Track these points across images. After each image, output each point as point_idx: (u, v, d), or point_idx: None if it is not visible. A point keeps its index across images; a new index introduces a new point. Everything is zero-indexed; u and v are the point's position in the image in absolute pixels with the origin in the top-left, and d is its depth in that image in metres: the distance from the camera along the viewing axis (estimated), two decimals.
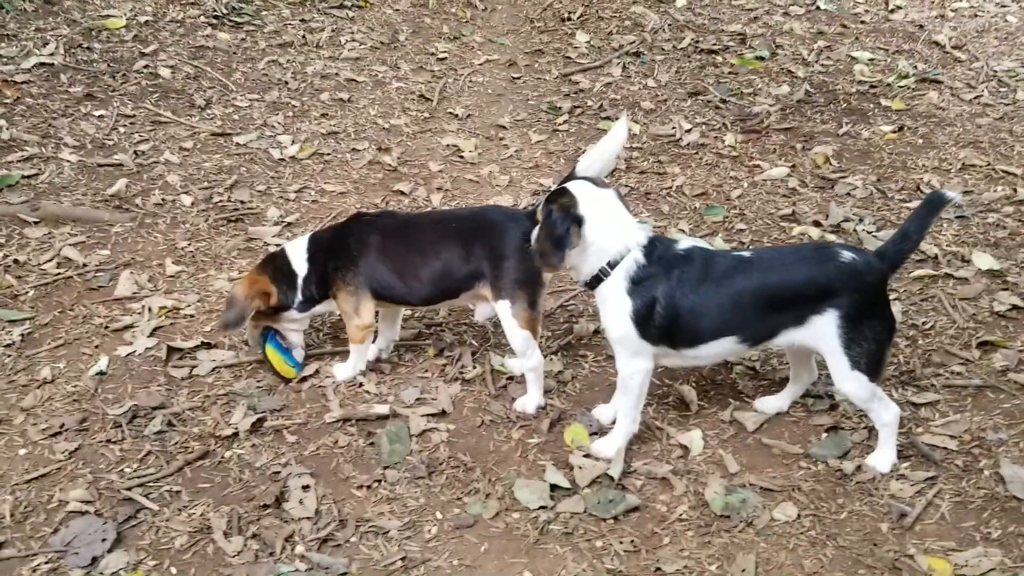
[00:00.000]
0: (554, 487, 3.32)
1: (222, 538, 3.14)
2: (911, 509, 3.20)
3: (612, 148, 3.64)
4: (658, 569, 3.01)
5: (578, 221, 3.23)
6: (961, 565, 2.99)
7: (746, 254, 3.34)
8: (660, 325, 3.26)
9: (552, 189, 3.42)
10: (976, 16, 8.14)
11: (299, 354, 3.96)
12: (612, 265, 3.27)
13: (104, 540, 3.12)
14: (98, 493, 3.33)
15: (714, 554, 3.07)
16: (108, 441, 3.58)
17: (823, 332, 3.22)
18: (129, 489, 3.33)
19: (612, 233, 3.27)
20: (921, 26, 7.88)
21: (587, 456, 3.46)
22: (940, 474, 3.37)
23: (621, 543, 3.11)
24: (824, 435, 3.58)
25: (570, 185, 3.34)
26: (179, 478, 3.41)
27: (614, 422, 3.54)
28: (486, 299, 3.70)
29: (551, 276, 3.70)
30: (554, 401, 3.77)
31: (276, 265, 3.88)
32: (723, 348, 3.34)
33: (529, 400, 3.72)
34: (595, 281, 3.32)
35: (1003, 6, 8.35)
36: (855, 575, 2.98)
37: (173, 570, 3.05)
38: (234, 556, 3.08)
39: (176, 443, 3.57)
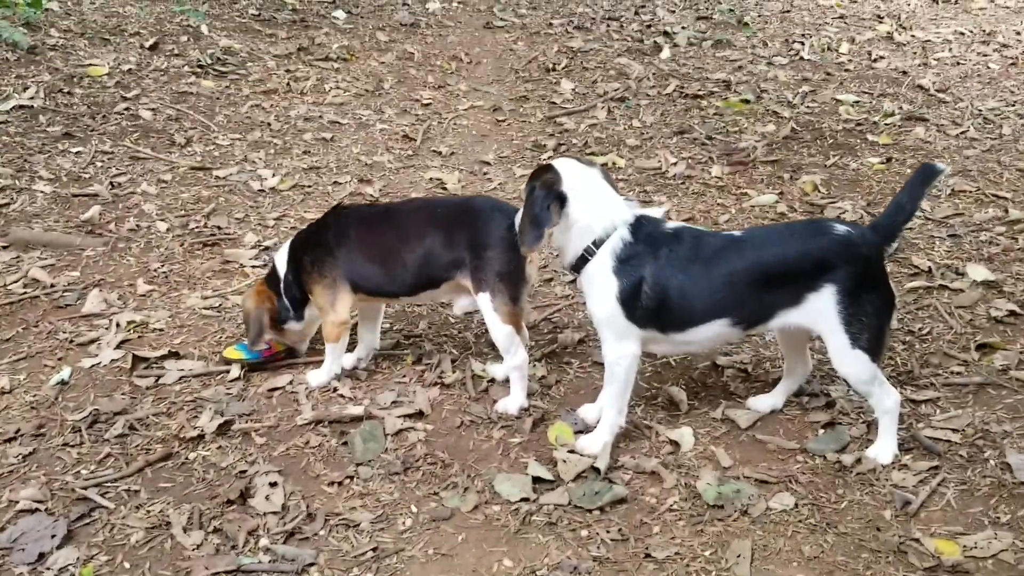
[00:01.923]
0: (537, 480, 3.14)
1: (181, 533, 2.94)
2: (915, 497, 3.02)
3: None
4: (648, 555, 2.80)
5: (560, 199, 3.10)
6: (970, 547, 2.80)
7: (737, 233, 3.22)
8: (647, 306, 3.11)
9: (537, 166, 3.30)
10: (959, 64, 8.18)
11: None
12: (598, 244, 3.13)
13: (54, 536, 2.92)
14: (51, 493, 3.13)
15: (707, 541, 2.87)
16: (65, 445, 3.39)
17: (821, 310, 3.07)
18: (85, 488, 3.13)
19: (597, 211, 3.14)
20: (904, 72, 7.90)
21: (572, 452, 3.27)
22: (943, 464, 3.19)
23: (608, 532, 2.91)
24: (821, 431, 3.40)
25: (555, 162, 3.23)
26: (139, 479, 3.22)
27: (600, 422, 3.36)
28: (467, 291, 3.55)
29: (536, 273, 3.56)
30: (538, 403, 3.59)
31: (269, 275, 3.81)
32: (714, 332, 3.18)
33: (512, 401, 3.54)
34: (580, 263, 3.18)
35: (985, 55, 8.40)
36: (858, 559, 2.78)
37: (126, 564, 2.84)
38: (193, 550, 2.87)
39: (137, 446, 3.38)
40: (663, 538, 2.88)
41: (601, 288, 3.14)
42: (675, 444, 3.33)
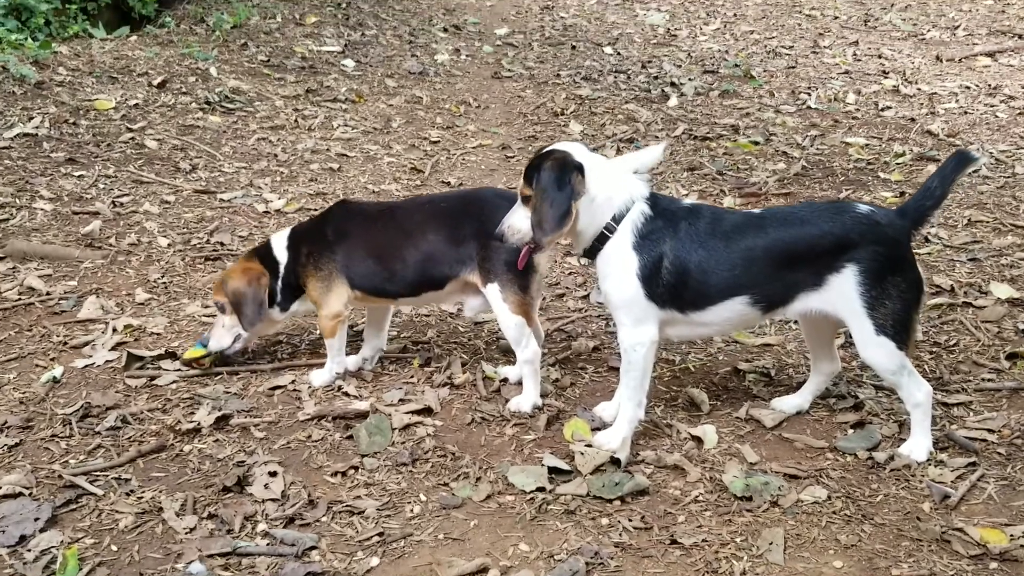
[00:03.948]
0: (553, 471, 2.96)
1: (173, 517, 2.76)
2: (955, 491, 2.84)
3: (644, 162, 3.28)
4: (674, 542, 2.62)
5: (579, 169, 2.98)
6: (1017, 536, 2.61)
7: (757, 211, 3.10)
8: (668, 283, 2.97)
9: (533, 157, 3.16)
10: (966, 113, 8.15)
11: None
12: (617, 220, 3.00)
13: (37, 520, 2.74)
14: (36, 480, 2.95)
15: (737, 530, 2.69)
16: (54, 436, 3.22)
17: (843, 293, 2.93)
18: (74, 476, 2.95)
19: (615, 182, 3.02)
20: (912, 119, 7.87)
21: (589, 447, 3.09)
22: (981, 461, 3.02)
23: (630, 521, 2.73)
24: (850, 431, 3.23)
25: (554, 145, 3.11)
26: (130, 468, 3.04)
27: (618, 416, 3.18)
28: (475, 289, 3.41)
29: (546, 263, 3.42)
30: (552, 402, 3.42)
31: (261, 254, 3.63)
32: (733, 311, 3.03)
33: (525, 399, 3.37)
34: (599, 243, 3.04)
35: (992, 105, 8.39)
36: (899, 547, 2.60)
37: (114, 548, 2.65)
38: (186, 533, 2.68)
39: (130, 438, 3.21)
40: (689, 526, 2.70)
41: (621, 267, 3.00)
42: (698, 440, 3.16)
